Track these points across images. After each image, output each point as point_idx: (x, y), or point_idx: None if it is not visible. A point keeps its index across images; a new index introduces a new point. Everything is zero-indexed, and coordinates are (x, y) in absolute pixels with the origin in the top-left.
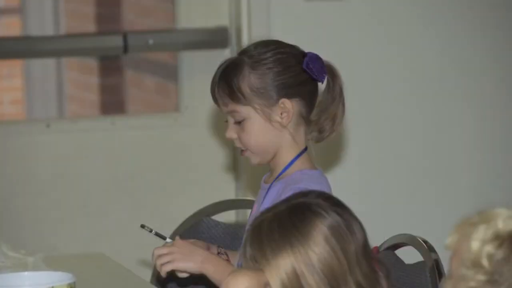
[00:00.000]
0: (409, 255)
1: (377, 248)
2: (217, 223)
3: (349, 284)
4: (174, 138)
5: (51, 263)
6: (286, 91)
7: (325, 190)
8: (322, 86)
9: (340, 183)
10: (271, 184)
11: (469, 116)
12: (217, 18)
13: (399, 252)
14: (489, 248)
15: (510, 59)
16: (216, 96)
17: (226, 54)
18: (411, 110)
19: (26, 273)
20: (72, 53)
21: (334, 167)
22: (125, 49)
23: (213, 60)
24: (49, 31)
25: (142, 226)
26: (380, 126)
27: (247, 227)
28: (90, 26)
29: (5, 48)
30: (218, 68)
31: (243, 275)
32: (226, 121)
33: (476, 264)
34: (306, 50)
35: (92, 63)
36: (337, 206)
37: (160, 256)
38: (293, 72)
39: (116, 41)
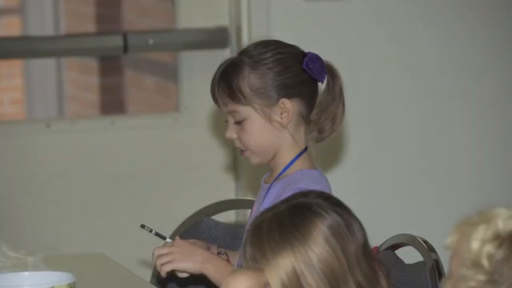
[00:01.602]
0: (409, 255)
1: (377, 248)
2: (217, 223)
3: (349, 284)
4: (174, 138)
5: (51, 263)
6: (286, 91)
7: (325, 190)
8: (322, 86)
9: (340, 183)
10: (271, 184)
11: (469, 116)
12: (217, 18)
13: (399, 252)
14: (489, 248)
15: (510, 59)
16: (216, 96)
17: (226, 54)
18: (411, 110)
19: (26, 273)
20: (72, 53)
21: (334, 167)
22: (125, 49)
23: (213, 60)
24: (49, 31)
25: (142, 226)
26: (380, 126)
27: (247, 227)
28: (90, 26)
29: (5, 48)
30: (218, 68)
31: (243, 275)
32: (226, 121)
33: (476, 264)
34: (306, 50)
35: (92, 63)
36: (337, 206)
37: (160, 256)
38: (293, 72)
39: (116, 41)
